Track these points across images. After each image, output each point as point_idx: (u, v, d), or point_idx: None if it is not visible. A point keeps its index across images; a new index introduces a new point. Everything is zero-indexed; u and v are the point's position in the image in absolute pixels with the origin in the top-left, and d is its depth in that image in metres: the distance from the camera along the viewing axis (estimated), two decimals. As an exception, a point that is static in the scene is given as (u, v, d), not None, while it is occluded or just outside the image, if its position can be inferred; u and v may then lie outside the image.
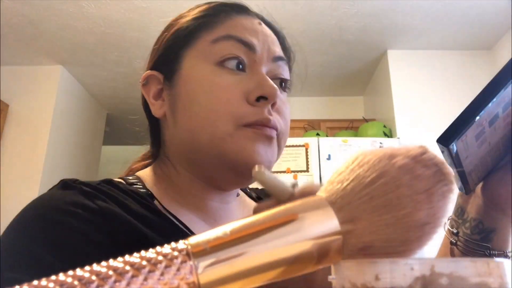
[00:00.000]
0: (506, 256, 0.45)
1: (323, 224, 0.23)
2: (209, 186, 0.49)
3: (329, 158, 2.58)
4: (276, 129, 0.46)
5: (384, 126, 2.89)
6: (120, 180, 0.47)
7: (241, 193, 0.58)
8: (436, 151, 0.28)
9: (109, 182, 0.44)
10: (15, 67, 3.10)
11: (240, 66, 0.46)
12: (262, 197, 0.61)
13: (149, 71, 0.51)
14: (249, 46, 0.47)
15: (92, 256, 0.29)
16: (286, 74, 0.51)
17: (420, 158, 0.26)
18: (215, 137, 0.44)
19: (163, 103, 0.50)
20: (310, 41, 2.82)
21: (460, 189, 0.43)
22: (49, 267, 0.33)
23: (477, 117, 0.34)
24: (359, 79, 3.44)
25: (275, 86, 0.45)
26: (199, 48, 0.47)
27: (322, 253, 0.23)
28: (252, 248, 0.22)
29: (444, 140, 0.35)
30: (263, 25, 0.51)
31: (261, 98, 0.45)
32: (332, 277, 0.22)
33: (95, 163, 3.85)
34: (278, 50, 0.50)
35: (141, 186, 0.47)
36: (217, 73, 0.45)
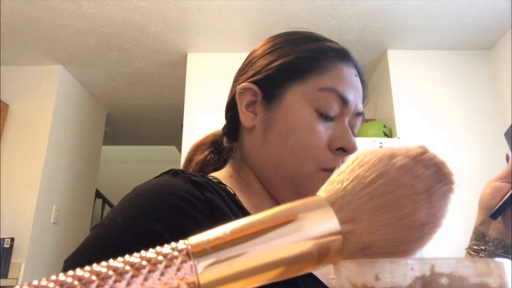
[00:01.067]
0: None
1: (323, 224, 0.23)
2: (275, 200, 0.55)
3: (329, 158, 2.58)
4: None
5: (384, 126, 2.89)
6: (210, 178, 0.52)
7: None
8: (435, 152, 0.28)
9: (203, 176, 0.49)
10: (15, 67, 3.10)
11: (332, 118, 0.53)
12: None
13: (250, 84, 0.56)
14: (345, 102, 0.53)
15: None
16: (358, 127, 0.57)
17: (420, 158, 0.26)
18: (299, 172, 0.51)
19: (254, 116, 0.56)
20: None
21: (494, 216, 0.57)
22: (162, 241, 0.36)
23: None
24: (359, 79, 3.44)
25: (354, 141, 0.52)
26: (306, 89, 0.53)
27: (322, 253, 0.23)
28: (252, 248, 0.22)
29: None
30: (357, 77, 0.57)
31: (340, 149, 0.52)
32: (332, 277, 0.22)
33: (95, 163, 3.85)
34: (360, 105, 0.56)
35: (225, 186, 0.52)
36: (315, 119, 0.52)
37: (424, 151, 0.26)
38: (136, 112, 4.03)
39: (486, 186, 0.61)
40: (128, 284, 0.19)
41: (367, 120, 3.14)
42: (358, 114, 0.56)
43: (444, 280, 0.19)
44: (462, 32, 2.76)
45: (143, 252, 0.21)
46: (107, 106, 3.95)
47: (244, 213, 0.48)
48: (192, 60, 2.96)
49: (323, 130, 0.52)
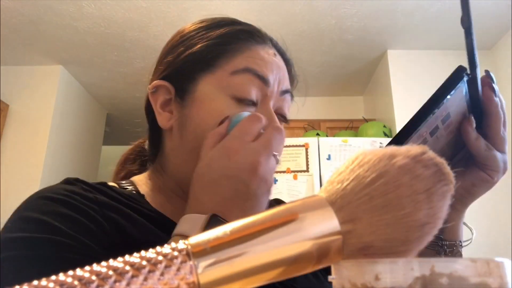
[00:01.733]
0: (456, 246, 0.50)
1: (323, 224, 0.23)
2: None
3: (329, 158, 2.58)
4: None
5: (384, 126, 2.89)
6: (114, 184, 0.51)
7: None
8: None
9: (104, 184, 0.48)
10: (15, 67, 3.10)
11: (253, 102, 0.49)
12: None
13: (160, 81, 0.52)
14: (264, 81, 0.48)
15: (90, 228, 0.37)
16: (287, 106, 0.53)
17: (420, 158, 0.26)
18: None
19: (171, 116, 0.51)
20: (310, 41, 2.82)
21: None
22: (56, 233, 0.37)
23: (417, 130, 0.41)
24: (359, 79, 3.44)
25: (280, 126, 0.46)
26: (217, 76, 0.49)
27: (322, 253, 0.23)
28: (252, 248, 0.22)
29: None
30: (277, 56, 0.53)
31: None
32: (332, 277, 0.22)
33: (95, 163, 3.85)
34: (286, 83, 0.52)
35: (132, 189, 0.51)
36: (231, 107, 0.47)
37: (424, 151, 0.26)
38: (136, 112, 4.03)
39: None
40: (128, 284, 0.19)
41: (367, 120, 3.14)
42: (284, 92, 0.51)
43: (444, 280, 0.19)
44: (462, 32, 2.75)
45: (143, 252, 0.21)
46: (107, 106, 3.96)
47: (145, 207, 0.47)
48: (192, 60, 2.96)
49: None
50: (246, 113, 0.46)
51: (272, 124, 0.45)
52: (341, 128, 3.26)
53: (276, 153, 0.41)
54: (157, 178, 0.54)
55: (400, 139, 0.40)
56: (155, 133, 0.56)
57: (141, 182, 0.54)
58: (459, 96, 0.44)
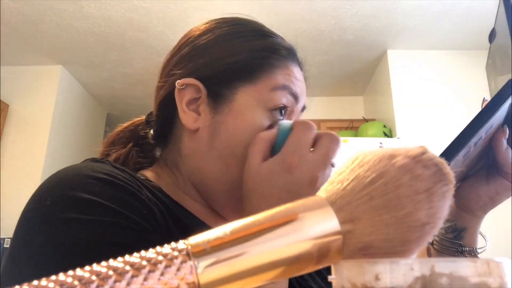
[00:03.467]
0: (475, 252, 0.52)
1: (323, 224, 0.23)
2: (208, 207, 0.52)
3: (329, 158, 2.58)
4: None
5: (384, 126, 2.89)
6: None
7: None
8: (435, 151, 0.28)
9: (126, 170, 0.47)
10: (15, 67, 3.10)
11: (284, 113, 0.50)
12: None
13: (193, 79, 0.50)
14: (296, 99, 0.50)
15: (142, 212, 0.37)
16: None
17: (420, 158, 0.26)
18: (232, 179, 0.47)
19: (198, 117, 0.50)
20: (310, 41, 2.82)
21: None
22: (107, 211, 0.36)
23: (470, 142, 0.42)
24: (359, 79, 3.44)
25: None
26: (258, 89, 0.49)
27: (322, 253, 0.23)
28: (252, 248, 0.22)
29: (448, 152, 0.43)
30: (301, 74, 0.54)
31: None
32: (332, 277, 0.22)
33: (95, 163, 3.85)
34: (305, 101, 0.54)
35: (155, 185, 0.50)
36: (271, 119, 0.48)
37: (424, 151, 0.26)
38: (136, 112, 4.02)
39: None
40: (128, 284, 0.19)
41: (367, 120, 3.14)
42: (303, 109, 0.54)
43: (444, 280, 0.19)
44: (462, 32, 2.76)
45: (143, 252, 0.21)
46: (107, 106, 3.96)
47: (167, 198, 0.46)
48: (192, 60, 2.96)
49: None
50: (289, 122, 0.46)
51: (326, 133, 0.45)
52: (341, 128, 3.26)
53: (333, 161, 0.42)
54: (168, 177, 0.53)
55: (455, 148, 0.42)
56: (166, 127, 0.54)
57: (153, 178, 0.52)
58: (504, 107, 0.45)
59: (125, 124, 0.61)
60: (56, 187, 0.37)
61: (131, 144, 0.58)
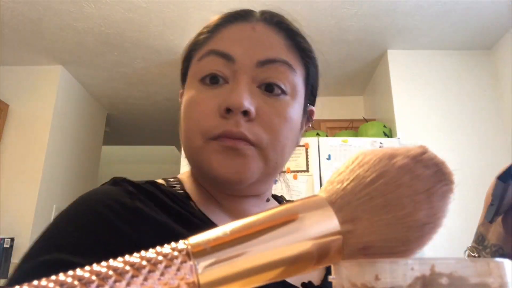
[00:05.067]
0: None
1: (323, 224, 0.23)
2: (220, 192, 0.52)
3: (329, 158, 2.58)
4: (247, 140, 0.44)
5: (384, 126, 2.89)
6: (162, 182, 0.51)
7: (272, 200, 0.60)
8: (435, 151, 0.28)
9: (152, 183, 0.47)
10: (15, 67, 3.10)
11: (220, 80, 0.46)
12: None
13: (182, 86, 0.55)
14: (227, 57, 0.46)
15: (113, 244, 0.37)
16: (279, 77, 0.47)
17: (420, 158, 0.26)
18: (191, 150, 0.48)
19: None
20: (310, 41, 2.81)
21: (488, 218, 0.49)
22: (75, 248, 0.37)
23: None
24: (359, 79, 3.44)
25: (240, 95, 0.43)
26: (192, 67, 0.50)
27: (322, 253, 0.23)
28: (252, 248, 0.22)
29: (506, 178, 0.42)
30: (259, 28, 0.49)
31: (229, 110, 0.44)
32: (332, 277, 0.22)
33: (95, 163, 3.85)
34: (266, 54, 0.47)
35: (179, 188, 0.50)
36: (199, 89, 0.47)
37: (424, 151, 0.26)
38: (136, 112, 4.03)
39: (494, 179, 0.53)
40: (128, 284, 0.19)
41: (367, 120, 3.14)
42: (261, 63, 0.46)
43: (444, 280, 0.19)
44: (462, 32, 2.76)
45: (143, 252, 0.21)
46: (107, 106, 3.95)
47: (190, 213, 0.45)
48: (192, 60, 2.96)
49: (207, 97, 0.46)
50: None
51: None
52: (341, 128, 3.26)
53: None
54: (193, 174, 0.55)
55: None
56: None
57: (186, 179, 0.53)
58: None
59: None
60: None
61: None
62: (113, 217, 0.39)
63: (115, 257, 0.21)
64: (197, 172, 0.50)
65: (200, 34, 0.52)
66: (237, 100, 0.43)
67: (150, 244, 0.28)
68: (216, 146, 0.44)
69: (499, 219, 0.49)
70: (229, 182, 0.45)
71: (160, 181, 0.50)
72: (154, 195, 0.44)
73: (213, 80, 0.46)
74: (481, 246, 0.50)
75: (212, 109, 0.45)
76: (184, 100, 0.49)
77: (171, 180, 0.52)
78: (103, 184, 0.46)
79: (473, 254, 0.51)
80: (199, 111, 0.46)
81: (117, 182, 0.45)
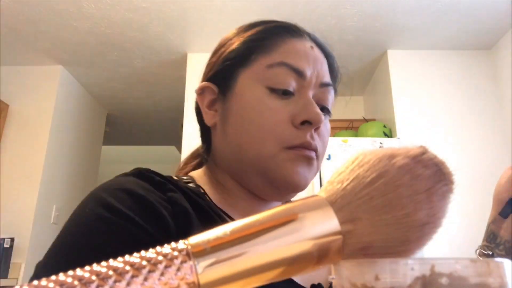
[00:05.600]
0: None
1: (323, 224, 0.23)
2: (253, 195, 0.53)
3: (329, 158, 2.58)
4: (316, 151, 0.49)
5: (384, 126, 2.89)
6: (177, 178, 0.51)
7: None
8: (435, 151, 0.28)
9: (169, 178, 0.48)
10: (15, 67, 3.10)
11: (289, 92, 0.49)
12: None
13: (205, 82, 0.55)
14: (299, 73, 0.49)
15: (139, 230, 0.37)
16: (330, 100, 0.53)
17: (420, 158, 0.26)
18: (260, 156, 0.48)
19: (215, 113, 0.54)
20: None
21: (503, 214, 0.49)
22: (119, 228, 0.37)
23: None
24: (359, 79, 3.44)
25: (319, 111, 0.48)
26: (254, 70, 0.50)
27: (322, 253, 0.23)
28: (252, 248, 0.22)
29: None
30: (315, 48, 0.53)
31: (305, 122, 0.48)
32: (332, 277, 0.22)
33: (95, 163, 3.85)
34: (326, 75, 0.53)
35: (195, 186, 0.51)
36: (268, 96, 0.49)
37: (424, 151, 0.26)
38: (136, 112, 4.02)
39: (502, 174, 0.52)
40: (128, 284, 0.19)
41: (367, 120, 3.14)
42: (324, 84, 0.52)
43: (444, 280, 0.19)
44: (462, 32, 2.76)
45: (143, 252, 0.21)
46: (107, 106, 3.95)
47: (209, 207, 0.46)
48: (192, 60, 2.96)
49: (279, 106, 0.48)
50: None
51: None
52: (341, 128, 3.26)
53: None
54: (212, 174, 0.55)
55: None
56: (205, 132, 0.58)
57: (199, 177, 0.54)
58: None
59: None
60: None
61: (198, 159, 0.63)
62: (152, 205, 0.39)
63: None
64: (247, 171, 0.50)
65: (254, 39, 0.52)
66: (318, 116, 0.48)
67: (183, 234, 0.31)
68: (293, 155, 0.48)
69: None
70: (298, 188, 0.48)
71: (175, 177, 0.51)
72: (179, 186, 0.45)
73: (285, 93, 0.49)
74: (493, 244, 0.50)
75: (285, 119, 0.48)
76: (248, 102, 0.49)
77: (184, 178, 0.53)
78: (126, 174, 0.45)
79: (486, 253, 0.50)
80: (274, 119, 0.48)
81: (141, 172, 0.44)
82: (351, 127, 3.22)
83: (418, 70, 2.94)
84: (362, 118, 3.25)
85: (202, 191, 0.50)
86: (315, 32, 0.59)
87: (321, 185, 2.52)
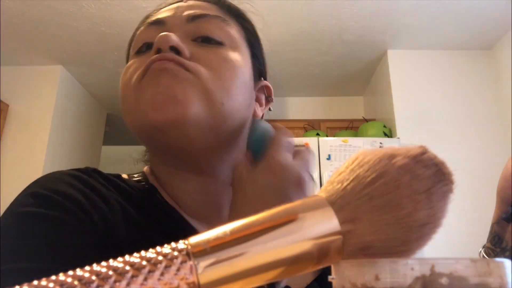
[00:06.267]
0: None
1: (323, 224, 0.23)
2: (178, 169, 0.47)
3: (329, 158, 2.58)
4: (181, 64, 0.41)
5: (384, 126, 2.89)
6: (126, 176, 0.50)
7: None
8: (435, 152, 0.28)
9: (117, 176, 0.47)
10: (15, 67, 3.10)
11: (150, 47, 0.45)
12: None
13: None
14: (156, 23, 0.47)
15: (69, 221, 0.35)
16: (213, 28, 0.46)
17: (420, 158, 0.26)
18: (129, 114, 0.44)
19: None
20: (310, 41, 2.82)
21: (507, 219, 0.44)
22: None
23: None
24: (359, 79, 3.44)
25: (166, 34, 0.42)
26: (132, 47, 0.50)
27: (322, 253, 0.23)
28: (252, 248, 0.22)
29: None
30: (189, 2, 0.49)
31: (159, 51, 0.42)
32: (332, 277, 0.22)
33: (95, 163, 3.85)
34: (195, 11, 0.47)
35: (144, 183, 0.49)
36: (133, 60, 0.46)
37: (424, 151, 0.26)
38: (136, 112, 4.02)
39: (506, 165, 0.48)
40: (128, 284, 0.19)
41: (367, 120, 3.14)
42: (190, 18, 0.46)
43: (444, 280, 0.19)
44: (462, 32, 2.76)
45: (143, 252, 0.21)
46: (107, 106, 3.96)
47: (154, 203, 0.44)
48: (192, 60, 2.95)
49: (140, 61, 0.45)
50: (269, 125, 0.45)
51: (301, 146, 0.44)
52: (341, 128, 3.26)
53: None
54: (149, 158, 0.53)
55: None
56: None
57: (148, 170, 0.52)
58: None
59: None
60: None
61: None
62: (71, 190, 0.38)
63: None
64: (144, 142, 0.46)
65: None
66: (162, 37, 0.41)
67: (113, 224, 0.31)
68: (143, 84, 0.42)
69: None
70: (163, 117, 0.39)
71: (124, 175, 0.49)
72: (116, 183, 0.44)
73: (146, 48, 0.46)
74: (499, 248, 0.47)
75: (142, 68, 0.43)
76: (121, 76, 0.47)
77: (136, 175, 0.51)
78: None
79: (489, 257, 0.48)
80: (130, 72, 0.44)
81: (82, 169, 0.43)
82: (351, 127, 3.22)
83: (418, 70, 2.94)
84: (362, 118, 3.26)
85: (147, 187, 0.47)
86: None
87: (321, 185, 2.52)
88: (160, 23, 0.46)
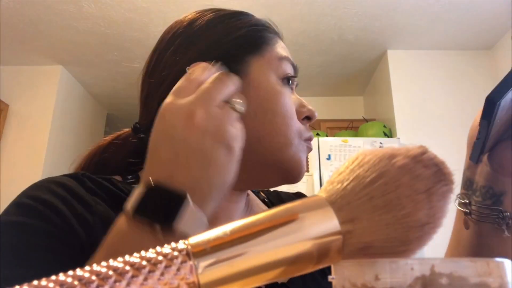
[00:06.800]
0: None
1: (323, 224, 0.23)
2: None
3: (329, 158, 2.58)
4: None
5: (384, 126, 2.89)
6: (119, 178, 0.50)
7: (251, 193, 0.60)
8: (435, 151, 0.28)
9: (109, 179, 0.48)
10: (15, 67, 3.10)
11: (292, 87, 0.52)
12: (272, 200, 0.62)
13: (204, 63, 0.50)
14: (296, 70, 0.53)
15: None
16: None
17: (420, 158, 0.26)
18: (283, 145, 0.48)
19: None
20: (310, 41, 2.82)
21: (473, 158, 0.45)
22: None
23: None
24: (359, 79, 3.44)
25: (315, 112, 0.53)
26: (267, 61, 0.50)
27: (322, 253, 0.23)
28: (252, 248, 0.22)
29: (496, 95, 0.35)
30: None
31: (305, 118, 0.52)
32: (332, 277, 0.22)
33: (95, 163, 3.85)
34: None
35: (136, 185, 0.48)
36: (284, 87, 0.50)
37: (424, 151, 0.26)
38: (136, 112, 4.01)
39: (476, 117, 0.49)
40: (128, 284, 0.19)
41: (367, 120, 3.14)
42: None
43: (444, 280, 0.19)
44: (462, 32, 2.76)
45: (143, 252, 0.21)
46: (107, 106, 3.96)
47: None
48: (192, 60, 2.96)
49: (291, 98, 0.51)
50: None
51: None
52: (341, 128, 3.26)
53: (234, 100, 0.37)
54: None
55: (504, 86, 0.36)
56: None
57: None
58: None
59: (115, 134, 0.62)
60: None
61: (127, 151, 0.59)
62: (58, 202, 0.41)
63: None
64: (257, 161, 0.48)
65: (256, 29, 0.52)
66: (315, 113, 0.53)
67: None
68: (305, 147, 0.51)
69: (485, 158, 0.46)
70: (301, 177, 0.51)
71: (117, 177, 0.50)
72: (106, 186, 0.45)
73: (289, 83, 0.51)
74: (470, 191, 0.47)
75: (295, 112, 0.51)
76: (269, 93, 0.48)
77: (129, 177, 0.51)
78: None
79: (463, 201, 0.48)
80: (293, 111, 0.50)
81: (75, 175, 0.45)
82: (351, 127, 3.22)
83: (418, 70, 2.94)
84: (362, 118, 3.26)
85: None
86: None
87: (321, 185, 2.52)
88: (295, 70, 0.53)
